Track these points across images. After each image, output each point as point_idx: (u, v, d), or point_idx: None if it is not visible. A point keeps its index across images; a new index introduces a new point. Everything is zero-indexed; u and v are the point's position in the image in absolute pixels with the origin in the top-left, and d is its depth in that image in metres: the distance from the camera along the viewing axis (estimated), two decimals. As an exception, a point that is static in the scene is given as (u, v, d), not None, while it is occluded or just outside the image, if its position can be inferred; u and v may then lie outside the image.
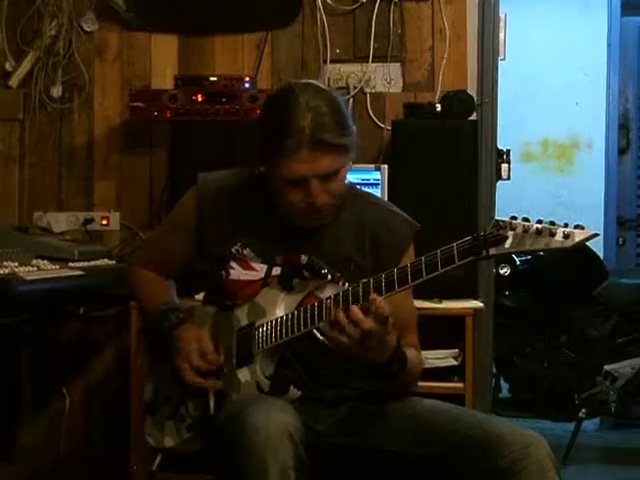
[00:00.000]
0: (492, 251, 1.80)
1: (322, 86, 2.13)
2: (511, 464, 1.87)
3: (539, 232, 1.75)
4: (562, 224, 1.75)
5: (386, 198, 3.25)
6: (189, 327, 2.20)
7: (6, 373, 3.34)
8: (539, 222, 1.77)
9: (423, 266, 1.88)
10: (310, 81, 2.14)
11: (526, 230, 1.76)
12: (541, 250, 1.76)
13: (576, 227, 1.73)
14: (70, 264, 3.06)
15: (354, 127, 2.11)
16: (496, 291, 3.78)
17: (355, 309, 1.93)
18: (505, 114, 3.83)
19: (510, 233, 1.78)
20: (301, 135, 1.99)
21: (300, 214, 2.10)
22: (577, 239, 1.72)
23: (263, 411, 1.88)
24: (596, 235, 1.74)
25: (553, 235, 1.73)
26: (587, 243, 1.74)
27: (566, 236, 1.72)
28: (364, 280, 1.97)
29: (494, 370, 4.25)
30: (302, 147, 2.00)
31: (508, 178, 3.68)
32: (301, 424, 1.91)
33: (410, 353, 2.11)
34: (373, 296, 1.92)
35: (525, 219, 1.78)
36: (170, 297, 2.34)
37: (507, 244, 1.78)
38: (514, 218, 1.79)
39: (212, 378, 2.14)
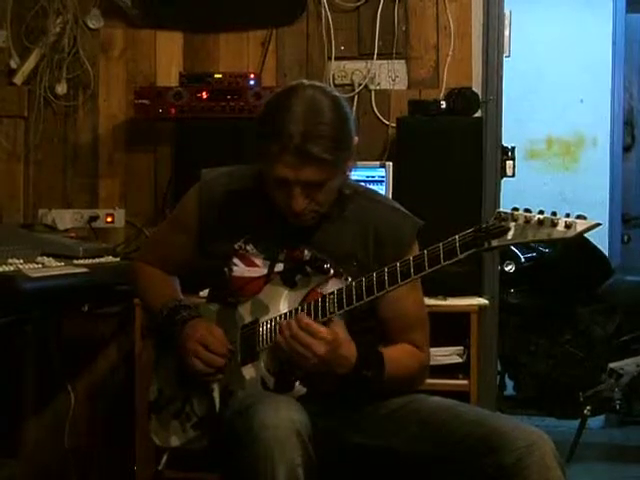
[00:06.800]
0: (494, 243, 1.80)
1: (330, 93, 2.08)
2: (515, 461, 1.88)
3: (541, 223, 1.75)
4: (564, 214, 1.74)
5: (391, 195, 3.26)
6: (200, 321, 2.19)
7: (11, 370, 3.34)
8: (541, 213, 1.77)
9: (425, 259, 1.89)
10: (319, 86, 2.10)
11: (528, 221, 1.77)
12: (543, 241, 1.76)
13: (578, 217, 1.74)
14: (75, 261, 3.05)
15: (354, 138, 2.09)
16: (501, 288, 3.77)
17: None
18: (510, 111, 3.82)
19: (512, 224, 1.78)
20: (288, 141, 1.97)
21: (283, 212, 2.11)
22: (579, 229, 1.72)
23: (270, 408, 1.88)
24: (598, 225, 1.73)
25: (555, 225, 1.73)
26: (592, 240, 1.73)
27: (568, 226, 1.73)
28: (367, 275, 1.98)
29: (499, 367, 4.25)
30: (287, 153, 1.98)
31: (513, 175, 3.66)
32: (308, 421, 1.91)
33: (398, 352, 2.13)
34: (300, 315, 2.00)
35: (527, 210, 1.78)
36: (178, 294, 2.34)
37: (509, 235, 1.78)
38: (516, 209, 1.79)
39: (219, 373, 2.13)
